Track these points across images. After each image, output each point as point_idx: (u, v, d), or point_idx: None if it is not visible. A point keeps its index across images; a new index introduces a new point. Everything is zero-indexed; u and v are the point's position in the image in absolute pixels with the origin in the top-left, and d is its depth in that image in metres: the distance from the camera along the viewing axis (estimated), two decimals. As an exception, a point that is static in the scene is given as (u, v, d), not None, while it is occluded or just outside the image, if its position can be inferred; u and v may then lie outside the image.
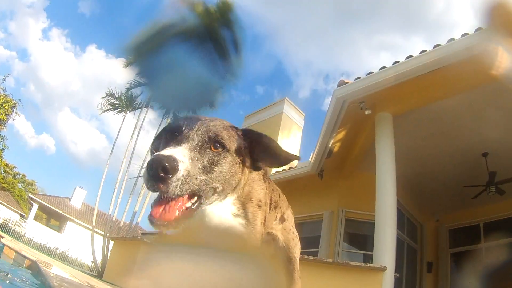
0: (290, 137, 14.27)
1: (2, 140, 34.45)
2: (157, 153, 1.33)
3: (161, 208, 1.38)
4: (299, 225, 3.42)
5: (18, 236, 29.11)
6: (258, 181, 1.92)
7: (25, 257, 5.76)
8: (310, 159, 10.15)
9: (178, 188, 1.32)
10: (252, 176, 1.87)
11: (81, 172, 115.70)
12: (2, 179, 42.21)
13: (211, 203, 1.60)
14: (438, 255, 11.34)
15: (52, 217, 39.29)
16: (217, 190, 1.54)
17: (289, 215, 2.57)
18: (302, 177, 10.38)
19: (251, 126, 14.47)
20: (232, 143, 1.59)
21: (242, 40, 1.68)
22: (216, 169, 1.49)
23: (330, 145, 8.89)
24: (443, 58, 6.02)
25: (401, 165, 7.02)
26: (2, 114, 31.97)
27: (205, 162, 1.46)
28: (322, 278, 6.00)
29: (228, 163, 1.55)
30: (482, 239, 10.24)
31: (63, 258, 30.98)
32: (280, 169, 11.55)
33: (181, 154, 1.37)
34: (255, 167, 1.80)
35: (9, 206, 37.39)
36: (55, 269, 5.80)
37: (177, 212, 1.39)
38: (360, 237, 9.95)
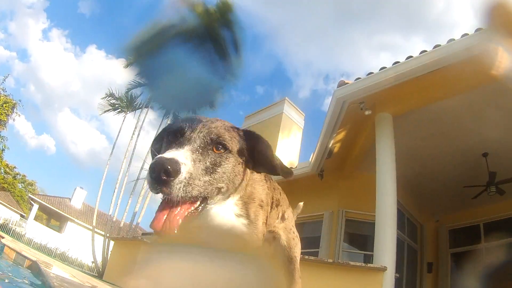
0: (290, 138, 14.26)
1: (2, 141, 34.46)
2: (159, 155, 1.33)
3: (164, 217, 1.39)
4: (300, 225, 3.41)
5: (18, 237, 29.09)
6: (260, 181, 1.94)
7: (25, 257, 5.76)
8: (310, 160, 10.16)
9: (181, 190, 1.33)
10: (254, 177, 1.89)
11: (81, 172, 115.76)
12: (3, 179, 42.22)
13: (215, 203, 1.61)
14: (438, 255, 11.33)
15: (53, 217, 39.30)
16: (222, 190, 1.56)
17: (290, 214, 2.58)
18: (302, 177, 10.37)
19: (251, 126, 14.47)
20: (234, 144, 1.59)
21: (242, 40, 1.69)
22: (219, 170, 1.50)
23: (330, 145, 8.90)
24: (443, 59, 6.02)
25: (401, 165, 7.02)
26: (2, 114, 31.98)
27: (208, 164, 1.47)
28: (323, 278, 5.99)
29: (230, 164, 1.56)
30: (482, 239, 10.23)
31: (63, 258, 30.97)
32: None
33: (183, 157, 1.37)
34: (254, 169, 1.81)
35: (9, 206, 37.40)
36: (56, 269, 5.80)
37: (180, 221, 1.40)
38: (360, 237, 9.95)
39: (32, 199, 37.36)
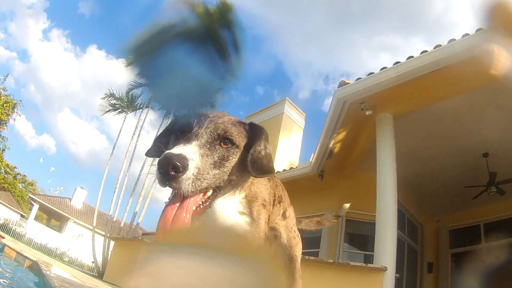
0: (291, 138, 14.28)
1: (2, 141, 34.53)
2: (168, 151, 1.35)
3: (172, 214, 1.40)
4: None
5: (18, 237, 29.11)
6: (263, 181, 1.95)
7: (25, 257, 5.77)
8: (310, 160, 10.16)
9: (190, 185, 1.35)
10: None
11: (81, 172, 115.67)
12: (3, 179, 42.20)
13: (225, 194, 1.63)
14: (439, 256, 11.34)
15: (53, 217, 39.35)
16: (232, 182, 1.59)
17: (291, 213, 2.58)
18: (303, 177, 10.39)
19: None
20: (241, 139, 1.61)
21: (242, 41, 1.69)
22: (227, 165, 1.52)
23: (330, 145, 8.90)
24: (443, 59, 6.02)
25: (402, 165, 7.02)
26: (2, 114, 32.02)
27: (216, 158, 1.48)
28: (323, 278, 6.00)
29: (238, 158, 1.57)
30: (482, 240, 10.24)
31: (63, 258, 30.98)
32: (280, 169, 11.57)
33: (191, 152, 1.39)
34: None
35: (9, 206, 37.42)
36: (56, 269, 5.80)
37: (188, 219, 1.41)
38: (360, 238, 9.96)
39: (32, 199, 37.40)
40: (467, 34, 5.89)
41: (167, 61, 1.55)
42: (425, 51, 6.29)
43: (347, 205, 3.57)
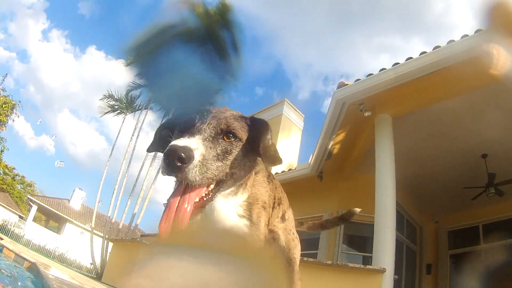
0: (290, 139, 14.26)
1: (1, 141, 34.48)
2: (173, 143, 1.37)
3: (174, 210, 1.41)
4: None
5: (17, 238, 29.08)
6: (263, 183, 1.97)
7: (24, 258, 5.76)
8: (309, 161, 10.16)
9: (197, 173, 1.38)
10: (258, 178, 1.93)
11: (80, 173, 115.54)
12: (2, 180, 42.15)
13: (226, 189, 1.65)
14: (438, 257, 11.33)
15: (51, 218, 39.29)
16: (234, 176, 1.61)
17: (290, 215, 2.58)
18: (302, 178, 10.38)
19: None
20: (244, 132, 1.63)
21: (241, 42, 1.69)
22: (230, 158, 1.55)
23: (329, 146, 8.90)
24: (443, 60, 6.02)
25: (401, 166, 7.02)
26: (1, 115, 32.00)
27: (219, 151, 1.51)
28: (321, 280, 5.99)
29: (241, 151, 1.60)
30: (481, 241, 10.24)
31: (62, 259, 30.95)
32: (279, 170, 11.56)
33: (195, 143, 1.41)
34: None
35: (8, 207, 37.37)
36: (54, 271, 5.79)
37: (189, 213, 1.43)
38: (359, 239, 9.95)
39: (31, 200, 37.36)
40: (466, 35, 5.90)
41: (167, 61, 1.56)
42: (424, 52, 6.30)
43: (357, 210, 3.54)
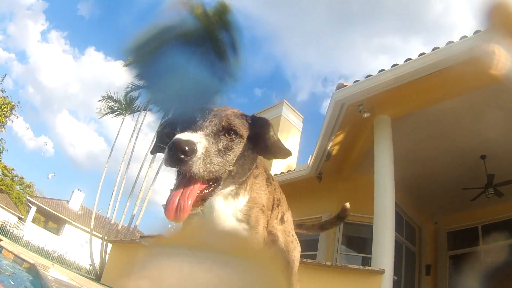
0: (289, 140, 14.26)
1: (0, 142, 34.47)
2: (177, 136, 1.39)
3: (177, 200, 1.43)
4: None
5: (16, 239, 29.04)
6: (262, 186, 1.97)
7: (23, 260, 5.76)
8: (308, 162, 10.16)
9: (201, 165, 1.39)
10: (257, 182, 1.93)
11: (79, 174, 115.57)
12: (1, 181, 42.09)
13: (225, 188, 1.65)
14: (437, 258, 11.34)
15: (50, 219, 39.24)
16: (232, 173, 1.60)
17: (289, 217, 2.57)
18: (301, 180, 10.39)
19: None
20: (245, 130, 1.65)
21: (240, 42, 1.69)
22: (230, 154, 1.56)
23: (328, 148, 8.90)
24: (441, 61, 6.03)
25: (400, 167, 7.02)
26: (0, 116, 31.95)
27: (220, 147, 1.52)
28: (321, 281, 6.00)
29: (242, 148, 1.61)
30: (480, 241, 10.24)
31: (61, 261, 30.92)
32: (278, 172, 11.57)
33: (198, 137, 1.43)
34: (262, 154, 1.87)
35: (7, 208, 37.33)
36: (53, 272, 5.79)
37: (191, 204, 1.44)
38: (358, 240, 9.95)
39: (30, 201, 37.28)
40: (465, 36, 5.91)
41: (166, 62, 1.56)
42: (423, 53, 6.30)
43: (347, 204, 3.56)
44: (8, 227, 31.58)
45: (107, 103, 19.61)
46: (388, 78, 6.59)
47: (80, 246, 33.58)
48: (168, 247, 1.79)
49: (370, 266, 6.26)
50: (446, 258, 11.12)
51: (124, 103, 19.30)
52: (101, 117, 20.05)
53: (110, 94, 19.37)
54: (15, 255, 6.32)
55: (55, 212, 36.75)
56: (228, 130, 1.58)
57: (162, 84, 1.62)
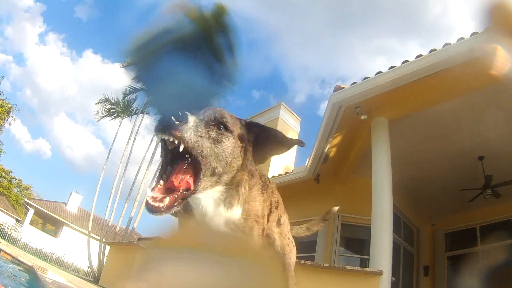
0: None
1: (-2, 145, 34.42)
2: None
3: (157, 198, 1.39)
4: (296, 230, 3.44)
5: (14, 241, 29.00)
6: (257, 197, 1.92)
7: (21, 262, 5.75)
8: (306, 164, 10.16)
9: (192, 136, 1.38)
10: (252, 193, 1.88)
11: (77, 177, 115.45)
12: (-2, 183, 42.10)
13: (208, 188, 1.59)
14: (435, 259, 11.36)
15: (48, 222, 39.17)
16: (216, 171, 1.54)
17: (285, 220, 2.57)
18: (299, 181, 10.38)
19: (247, 130, 14.53)
20: (236, 128, 1.63)
21: (237, 45, 1.69)
22: (218, 146, 1.52)
23: (326, 150, 8.90)
24: (439, 63, 6.04)
25: (398, 169, 7.03)
26: (-2, 118, 31.94)
27: (210, 135, 1.49)
28: (319, 282, 6.00)
29: (230, 144, 1.57)
30: (478, 242, 10.26)
31: (59, 263, 30.87)
32: (276, 174, 11.58)
33: (189, 115, 1.41)
34: (262, 159, 1.86)
35: (5, 210, 37.27)
36: (51, 274, 5.79)
37: (175, 199, 1.41)
38: (356, 242, 9.96)
39: (27, 204, 37.21)
40: (462, 38, 5.92)
41: (163, 66, 1.56)
42: (421, 55, 6.32)
43: (335, 208, 3.56)
44: (6, 230, 31.54)
45: (105, 106, 19.62)
46: (386, 80, 6.60)
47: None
48: (166, 249, 1.79)
49: (368, 267, 6.27)
50: (444, 259, 11.14)
51: (121, 105, 19.29)
52: (99, 120, 20.07)
53: (107, 97, 19.38)
54: (13, 257, 6.31)
55: (53, 215, 36.69)
56: (218, 124, 1.56)
57: (159, 87, 1.62)
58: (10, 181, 45.80)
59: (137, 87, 15.29)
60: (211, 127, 1.53)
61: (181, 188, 1.44)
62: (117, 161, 18.27)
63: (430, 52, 6.19)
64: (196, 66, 1.59)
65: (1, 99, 33.17)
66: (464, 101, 6.80)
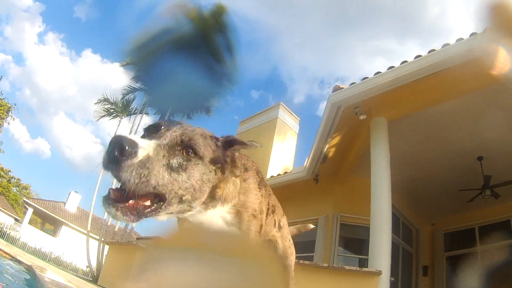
0: (285, 142, 14.26)
1: (-3, 144, 34.42)
2: (125, 134, 1.26)
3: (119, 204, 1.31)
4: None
5: (12, 241, 28.97)
6: (253, 190, 1.88)
7: (20, 262, 5.75)
8: (305, 164, 10.15)
9: (134, 174, 1.23)
10: (247, 185, 1.84)
11: (76, 176, 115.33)
12: (-3, 183, 42.09)
13: (172, 213, 1.51)
14: (434, 259, 11.36)
15: (47, 221, 39.13)
16: (183, 199, 1.45)
17: (284, 222, 2.58)
18: (298, 182, 10.37)
19: (246, 131, 14.56)
20: (207, 152, 1.51)
21: (236, 45, 1.69)
22: (183, 174, 1.41)
23: (325, 150, 8.90)
24: (438, 63, 6.04)
25: (397, 169, 7.03)
26: (-3, 118, 31.94)
27: (172, 163, 1.38)
28: (318, 282, 6.00)
29: (198, 171, 1.47)
30: (477, 242, 10.26)
31: (57, 262, 30.85)
32: (275, 174, 11.57)
33: (146, 144, 1.30)
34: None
35: (4, 210, 37.20)
36: (50, 274, 5.78)
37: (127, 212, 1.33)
38: (355, 242, 9.95)
39: (26, 203, 37.16)
40: (461, 39, 5.92)
41: (162, 66, 1.55)
42: (419, 55, 6.32)
43: (311, 226, 3.51)
44: (5, 229, 31.49)
45: (104, 106, 19.60)
46: (385, 80, 6.60)
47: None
48: (165, 249, 1.79)
49: (367, 267, 6.27)
50: (443, 259, 11.14)
51: (120, 105, 19.27)
52: (98, 119, 20.05)
53: (106, 97, 19.36)
54: (12, 256, 6.31)
55: (52, 214, 36.63)
56: (186, 147, 1.44)
57: (158, 88, 1.62)
58: (9, 181, 45.81)
59: (136, 86, 15.34)
60: (177, 151, 1.42)
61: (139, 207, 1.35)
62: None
63: (429, 52, 6.20)
64: (196, 66, 1.58)
65: (0, 99, 33.16)
66: (463, 102, 6.80)
